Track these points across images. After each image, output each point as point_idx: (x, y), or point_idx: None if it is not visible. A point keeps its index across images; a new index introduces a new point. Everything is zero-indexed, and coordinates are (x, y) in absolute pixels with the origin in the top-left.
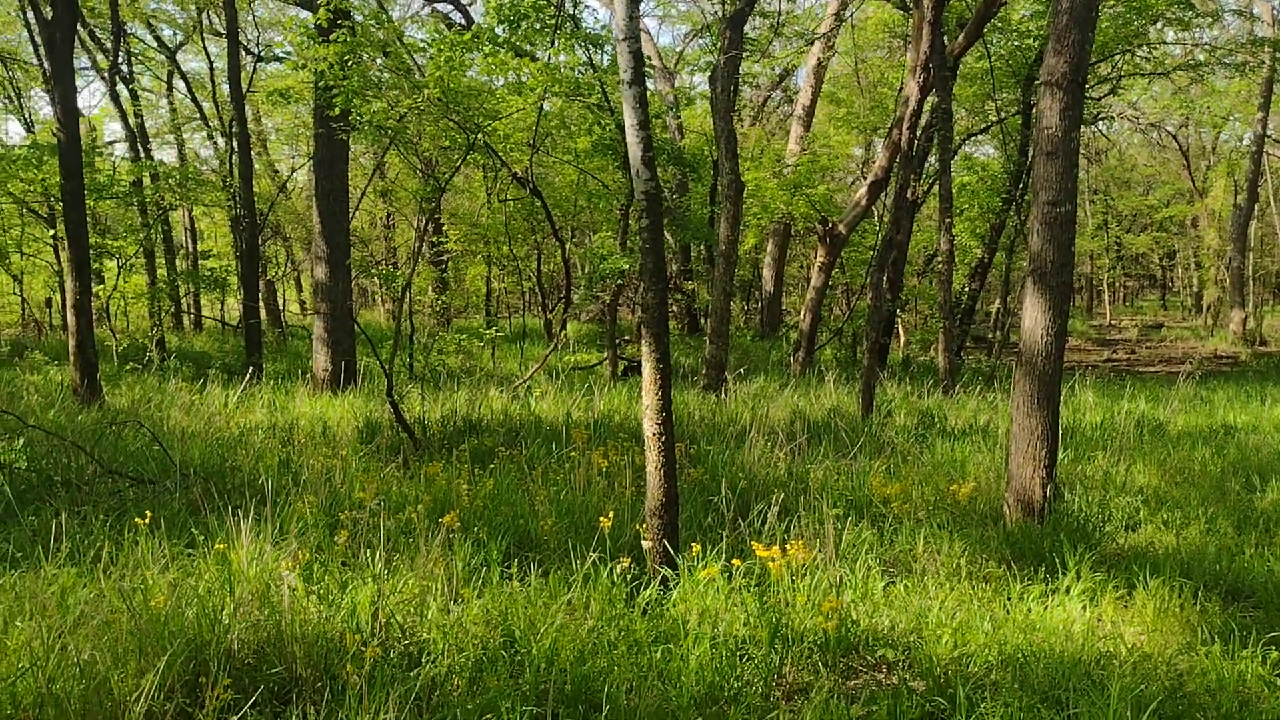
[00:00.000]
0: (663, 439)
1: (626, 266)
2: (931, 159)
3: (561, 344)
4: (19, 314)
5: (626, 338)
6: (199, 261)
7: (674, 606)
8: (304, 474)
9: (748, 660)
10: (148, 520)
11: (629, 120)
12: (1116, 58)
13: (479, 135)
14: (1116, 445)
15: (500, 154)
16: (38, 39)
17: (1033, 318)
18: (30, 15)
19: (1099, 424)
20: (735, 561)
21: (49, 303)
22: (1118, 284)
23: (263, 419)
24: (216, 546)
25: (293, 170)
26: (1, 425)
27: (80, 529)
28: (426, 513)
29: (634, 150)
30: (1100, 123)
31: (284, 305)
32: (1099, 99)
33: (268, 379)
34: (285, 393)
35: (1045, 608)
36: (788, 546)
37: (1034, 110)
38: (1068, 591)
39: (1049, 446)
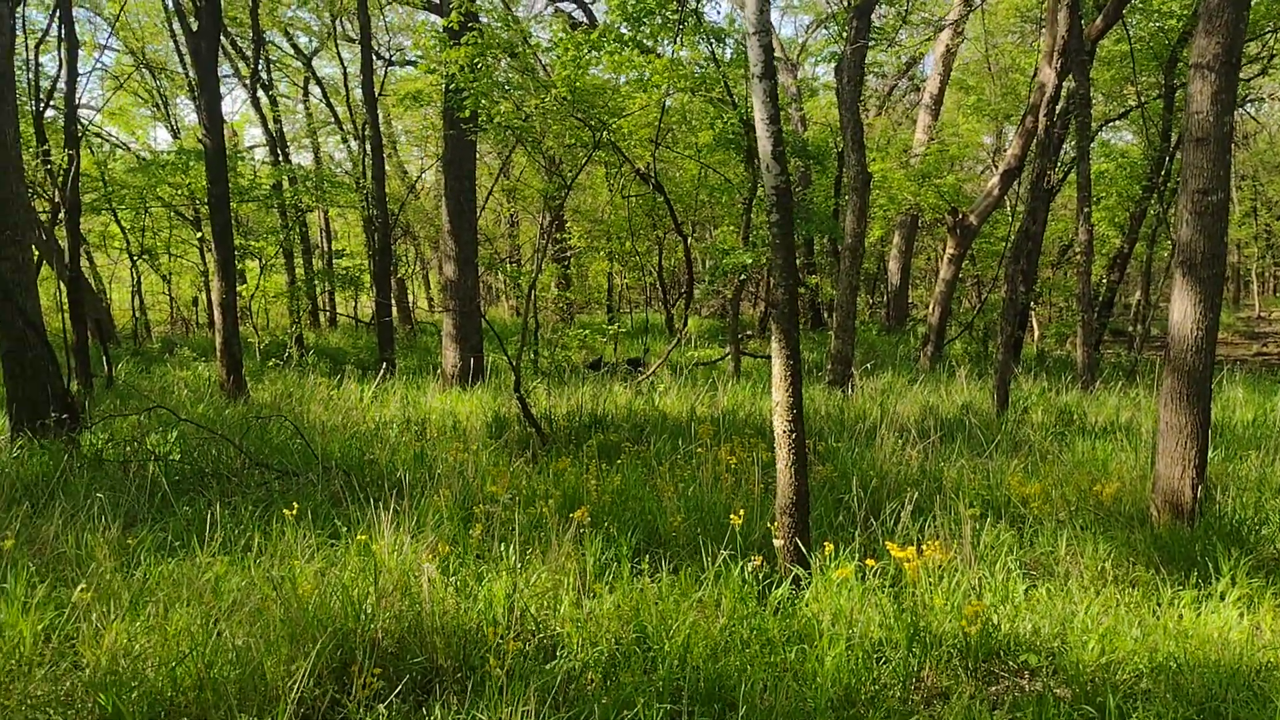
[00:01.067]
0: (793, 436)
1: (750, 261)
2: (1068, 146)
3: (684, 339)
4: (168, 312)
5: (749, 333)
6: (334, 261)
7: (806, 606)
8: (437, 468)
9: (884, 663)
10: (294, 511)
11: (759, 114)
12: (1268, 36)
13: (604, 133)
14: (1271, 444)
15: (623, 150)
16: (184, 49)
17: (1181, 311)
18: (176, 26)
19: (1251, 421)
20: (869, 561)
21: (195, 301)
22: (1267, 274)
23: (396, 414)
24: (358, 537)
25: (421, 171)
26: (157, 419)
27: (230, 519)
28: (556, 508)
29: (763, 144)
30: (1249, 105)
31: (414, 302)
32: (1248, 80)
33: (400, 374)
34: (416, 388)
35: (1198, 614)
36: (924, 547)
37: (1180, 94)
38: (1222, 598)
39: (1199, 445)
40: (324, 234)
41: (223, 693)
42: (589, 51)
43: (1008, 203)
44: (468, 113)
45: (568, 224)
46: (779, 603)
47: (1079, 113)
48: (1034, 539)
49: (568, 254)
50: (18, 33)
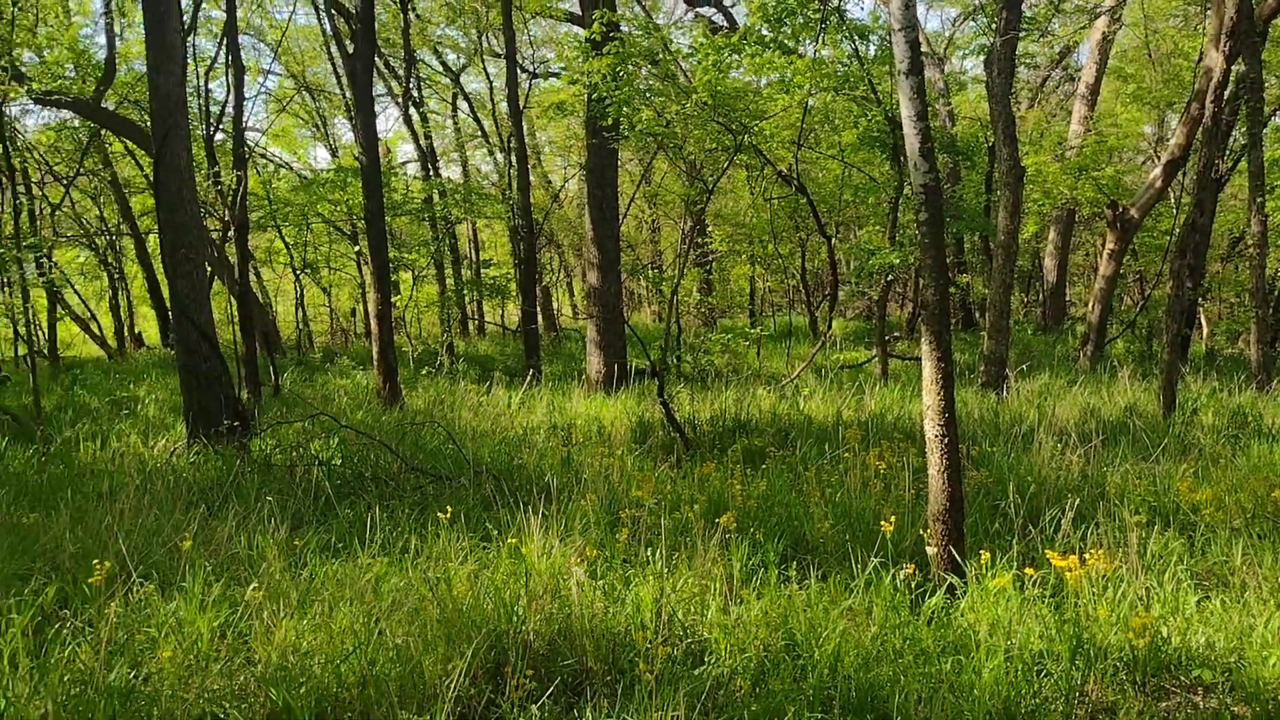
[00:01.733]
0: (945, 440)
1: (897, 261)
2: (1238, 133)
3: (828, 341)
4: (328, 323)
5: (896, 334)
6: (481, 270)
7: (962, 616)
8: (584, 472)
9: (1045, 676)
10: (448, 515)
11: (906, 111)
12: None
13: (745, 136)
14: None
15: (764, 152)
16: (341, 72)
17: None
18: (334, 49)
19: None
20: (1028, 571)
21: (353, 312)
22: None
23: (543, 419)
24: (509, 541)
25: (565, 180)
26: (319, 425)
27: (388, 521)
28: (702, 513)
29: (911, 142)
30: None
31: (558, 309)
32: None
33: (545, 380)
34: (562, 393)
35: None
36: (1086, 556)
37: None
38: None
39: None
40: (472, 244)
41: (384, 690)
42: (729, 55)
43: (1171, 194)
44: (610, 121)
45: (709, 228)
46: (933, 612)
47: (1250, 98)
48: (1206, 548)
49: (709, 258)
50: (188, 60)
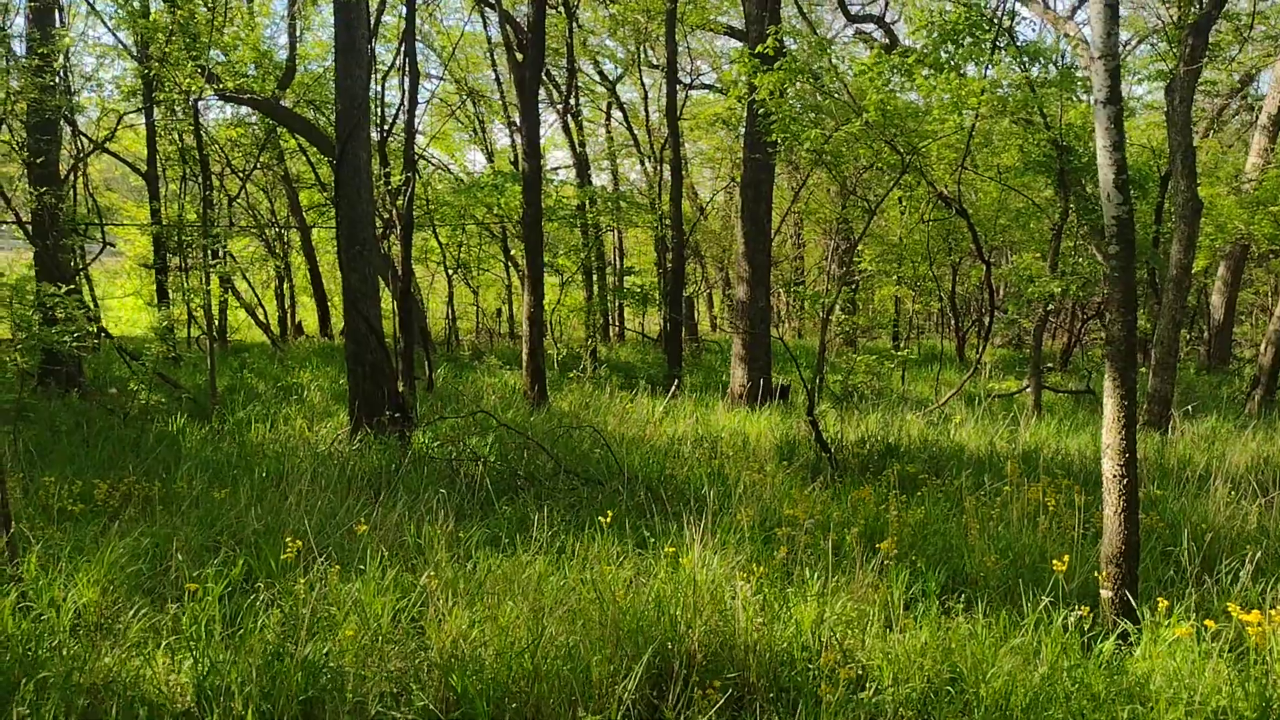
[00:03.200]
0: (1124, 482)
1: (1058, 290)
2: None
3: (981, 369)
4: (474, 322)
5: (1049, 365)
6: (624, 278)
7: (1136, 664)
8: (734, 487)
9: None
10: (609, 519)
11: (1101, 141)
12: None
13: (913, 156)
14: None
15: (924, 172)
16: (503, 79)
17: None
18: (497, 56)
19: None
20: (1208, 623)
21: (499, 313)
22: None
23: (688, 430)
24: (666, 549)
25: (713, 194)
26: (473, 422)
27: (544, 521)
28: (858, 536)
29: (1104, 172)
30: None
31: (698, 320)
32: None
33: (687, 391)
34: (705, 406)
35: None
36: (1272, 612)
37: None
38: None
39: None
40: (617, 252)
41: (553, 686)
42: (897, 76)
43: None
44: (775, 137)
45: (860, 247)
46: (1106, 657)
47: None
48: None
49: (857, 278)
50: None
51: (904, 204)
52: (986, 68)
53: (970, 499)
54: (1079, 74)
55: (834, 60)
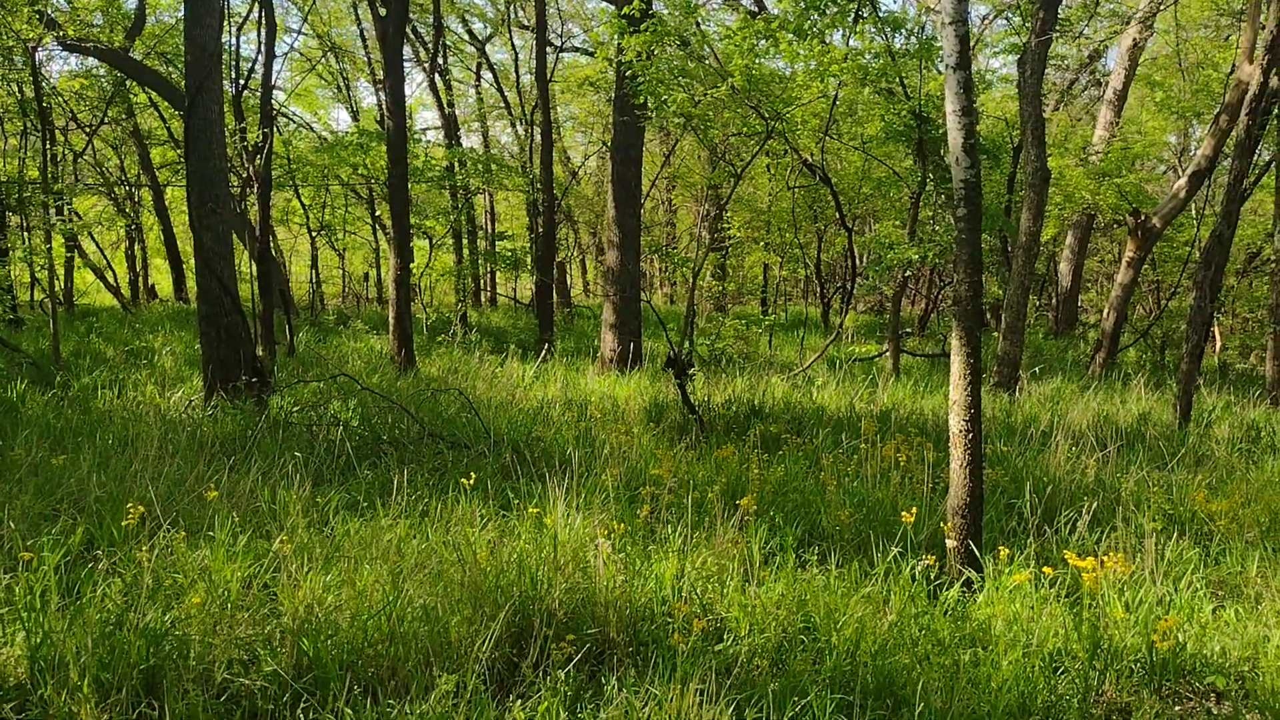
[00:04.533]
0: (969, 436)
1: (916, 257)
2: (1263, 148)
3: (842, 334)
4: (340, 286)
5: (907, 330)
6: (496, 243)
7: (979, 610)
8: (601, 448)
9: (1063, 673)
10: (471, 481)
11: (951, 106)
12: None
13: (777, 123)
14: None
15: (790, 140)
16: (368, 35)
17: None
18: (361, 11)
19: None
20: (1046, 570)
21: (366, 277)
22: None
23: (558, 394)
24: (530, 510)
25: (585, 158)
26: (336, 386)
27: (408, 485)
28: (720, 494)
29: (954, 136)
30: None
31: (570, 285)
32: None
33: (559, 356)
34: (576, 370)
35: None
36: (1104, 559)
37: None
38: None
39: None
40: (489, 215)
41: (410, 647)
42: (762, 41)
43: (1193, 206)
44: (642, 99)
45: (727, 213)
46: (950, 604)
47: None
48: (1221, 558)
49: (726, 244)
50: (224, 15)
51: (771, 171)
52: (849, 37)
53: (828, 457)
54: (938, 45)
55: (701, 25)
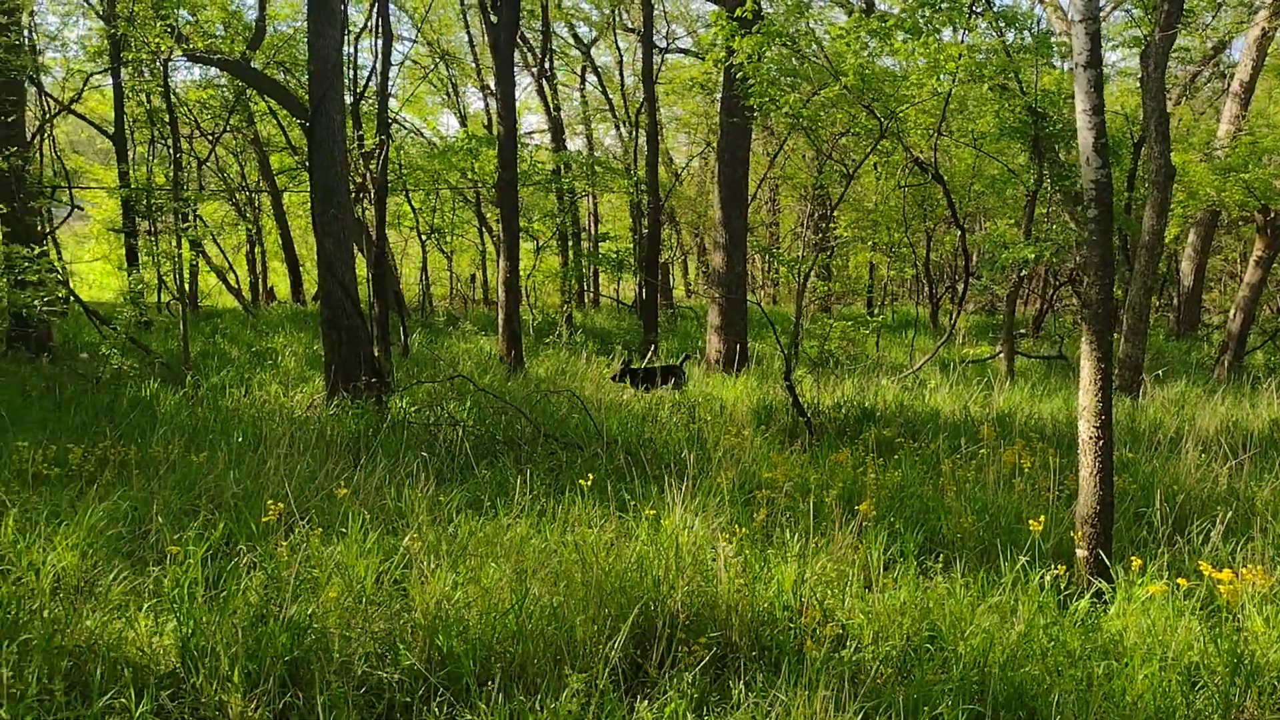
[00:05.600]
0: (1100, 443)
1: (1032, 256)
2: None
3: (954, 335)
4: (448, 288)
5: (1021, 331)
6: (599, 244)
7: (1111, 621)
8: (713, 450)
9: (1200, 689)
10: (588, 482)
11: (1081, 105)
12: None
13: (890, 121)
14: None
15: (901, 138)
16: (476, 42)
17: None
18: (470, 18)
19: None
20: (1181, 581)
21: (473, 278)
22: None
23: (664, 395)
24: (647, 512)
25: (689, 159)
26: (449, 387)
27: (523, 485)
28: (837, 499)
29: (1084, 136)
30: None
31: (673, 286)
32: None
33: (664, 357)
34: None
35: None
36: (1242, 571)
37: None
38: None
39: None
40: (591, 217)
41: (538, 646)
42: (873, 40)
43: None
44: (753, 101)
45: (834, 213)
46: (1081, 615)
47: None
48: None
49: (833, 244)
50: (346, 25)
51: (879, 170)
52: (963, 33)
53: (947, 462)
54: (1054, 40)
55: (810, 25)
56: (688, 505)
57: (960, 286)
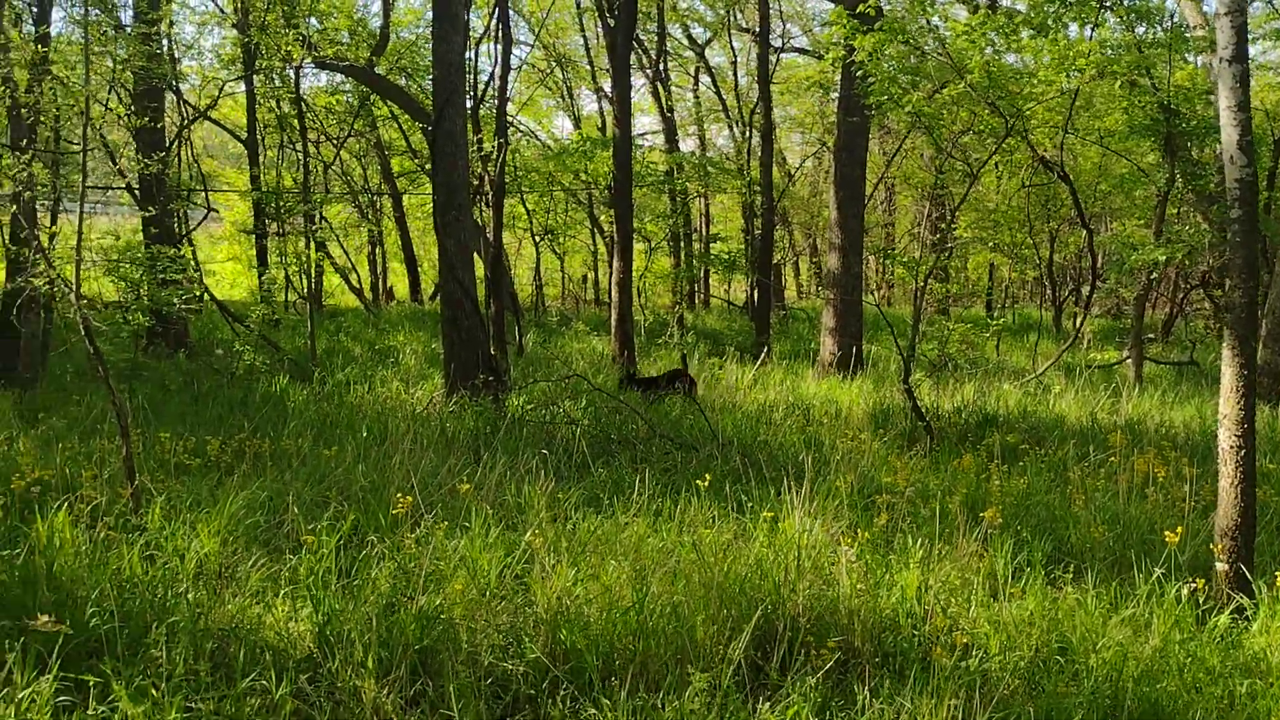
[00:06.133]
0: (1241, 453)
1: (1163, 258)
2: None
3: (1080, 339)
4: (560, 288)
5: (1150, 335)
6: (710, 244)
7: (1253, 639)
8: (830, 453)
9: None
10: (706, 483)
11: (1225, 101)
12: None
13: (1017, 119)
14: None
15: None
16: (591, 45)
17: None
18: (585, 21)
19: None
20: None
21: (584, 279)
22: None
23: (778, 397)
24: (764, 514)
25: (803, 159)
26: (563, 386)
27: (640, 484)
28: (960, 506)
29: (1229, 133)
30: None
31: (785, 287)
32: None
33: (775, 359)
34: (794, 374)
35: None
36: None
37: None
38: None
39: None
40: (703, 218)
41: (660, 644)
42: (996, 37)
43: None
44: (873, 99)
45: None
46: (1221, 631)
47: None
48: None
49: (952, 244)
50: (468, 31)
51: (1001, 169)
52: (1091, 29)
53: (1075, 469)
54: (1189, 35)
55: (932, 21)
56: (806, 508)
57: (1086, 289)
